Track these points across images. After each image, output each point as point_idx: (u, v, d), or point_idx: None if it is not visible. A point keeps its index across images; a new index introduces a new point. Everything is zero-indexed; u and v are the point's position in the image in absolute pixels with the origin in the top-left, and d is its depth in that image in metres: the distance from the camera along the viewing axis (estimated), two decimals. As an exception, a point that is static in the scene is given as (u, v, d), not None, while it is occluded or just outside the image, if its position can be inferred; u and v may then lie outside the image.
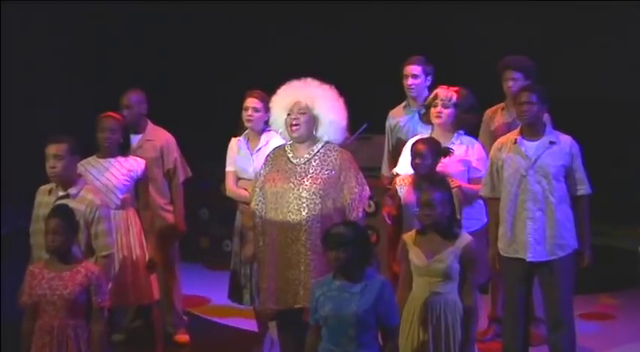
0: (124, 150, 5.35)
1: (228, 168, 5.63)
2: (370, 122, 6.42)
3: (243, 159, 5.55)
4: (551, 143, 4.95)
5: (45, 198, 4.80)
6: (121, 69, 7.84)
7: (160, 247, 5.56)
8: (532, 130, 4.97)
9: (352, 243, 4.05)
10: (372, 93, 7.50)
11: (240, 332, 6.05)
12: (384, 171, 6.02)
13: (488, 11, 7.90)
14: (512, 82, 5.70)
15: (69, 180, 4.78)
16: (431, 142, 5.06)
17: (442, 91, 5.28)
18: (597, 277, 6.18)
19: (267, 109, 5.15)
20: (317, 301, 4.09)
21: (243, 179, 5.54)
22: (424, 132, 5.42)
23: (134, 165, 5.32)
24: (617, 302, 6.64)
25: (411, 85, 5.88)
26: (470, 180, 5.22)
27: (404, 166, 5.25)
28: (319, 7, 8.11)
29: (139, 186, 5.34)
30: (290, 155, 4.77)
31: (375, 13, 8.18)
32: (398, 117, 5.98)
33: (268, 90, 5.01)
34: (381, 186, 5.94)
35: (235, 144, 5.63)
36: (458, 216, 4.79)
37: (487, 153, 5.26)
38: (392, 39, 7.97)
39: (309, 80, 4.76)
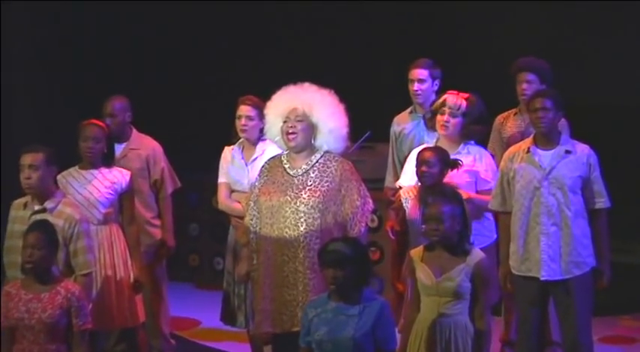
0: (108, 160, 5.34)
1: (221, 179, 5.61)
2: (373, 130, 6.41)
3: (237, 169, 5.54)
4: (567, 152, 4.94)
5: (20, 213, 4.79)
6: (103, 74, 7.83)
7: (146, 265, 5.56)
8: (546, 139, 4.97)
9: (351, 262, 4.04)
10: (375, 98, 7.49)
11: (233, 358, 6.03)
12: (388, 182, 6.03)
13: (500, 10, 7.89)
14: (527, 84, 5.71)
15: (45, 192, 4.77)
16: (439, 150, 5.06)
17: (451, 98, 5.25)
18: (618, 298, 6.20)
19: (261, 117, 5.14)
20: (310, 323, 4.08)
21: (237, 191, 5.52)
22: (431, 141, 5.42)
23: (118, 176, 5.31)
24: (639, 324, 6.62)
25: (417, 91, 5.89)
26: (478, 193, 5.20)
27: (408, 177, 5.25)
28: (317, 5, 8.11)
29: (124, 200, 5.33)
30: (286, 166, 4.75)
31: (378, 12, 8.17)
32: (403, 123, 5.99)
33: (263, 96, 5.01)
34: (384, 199, 5.95)
35: (229, 154, 5.62)
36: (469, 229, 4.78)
37: (497, 163, 5.26)
38: (397, 40, 7.95)
39: (306, 85, 4.75)
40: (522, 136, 5.55)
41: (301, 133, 4.68)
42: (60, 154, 4.89)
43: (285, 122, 4.71)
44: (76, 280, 4.65)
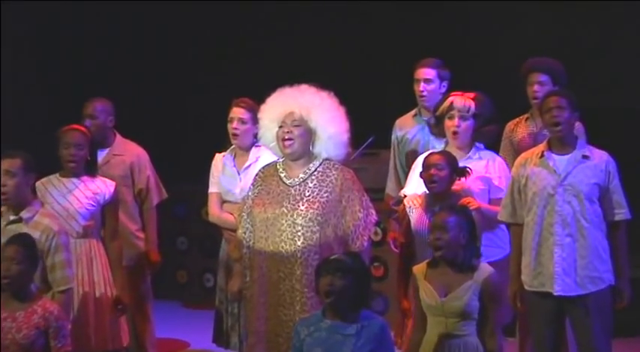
0: (92, 168, 5.32)
1: (212, 188, 5.61)
2: (377, 135, 6.40)
3: (229, 178, 5.53)
4: (585, 157, 4.93)
5: (-8, 223, 4.77)
6: (85, 77, 7.83)
7: (130, 282, 5.55)
8: (562, 142, 4.95)
9: (350, 272, 4.04)
10: (378, 101, 7.48)
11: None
12: (389, 189, 6.03)
13: (510, 9, 7.90)
14: (538, 86, 5.72)
15: (21, 201, 4.75)
16: (447, 154, 5.03)
17: (458, 99, 5.23)
18: (639, 317, 6.13)
19: (255, 121, 5.14)
20: (302, 343, 4.06)
21: (229, 202, 5.52)
22: (437, 147, 5.42)
23: (101, 187, 5.29)
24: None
25: (422, 91, 5.87)
26: (491, 201, 5.18)
27: (414, 186, 5.22)
28: (314, 1, 8.11)
29: (107, 212, 5.30)
30: (282, 175, 4.74)
31: (381, 9, 8.17)
32: (406, 127, 5.98)
33: (257, 99, 5.00)
34: (386, 209, 5.94)
35: (220, 161, 5.62)
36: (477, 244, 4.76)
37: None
38: (402, 38, 7.95)
39: (304, 87, 4.74)
40: (535, 141, 5.55)
41: (298, 139, 4.66)
42: (38, 161, 4.88)
43: (280, 127, 4.70)
44: (54, 297, 4.63)
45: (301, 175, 4.70)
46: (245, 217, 4.77)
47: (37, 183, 5.09)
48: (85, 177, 5.27)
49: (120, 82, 7.85)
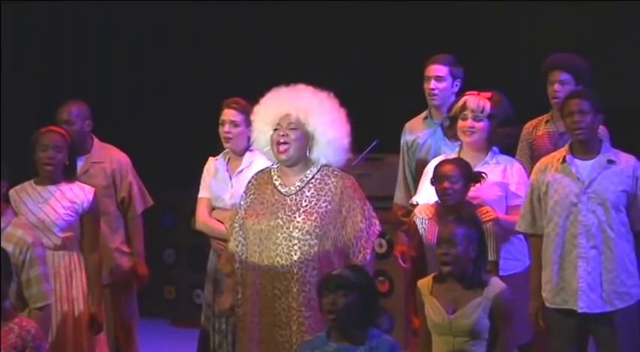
0: (70, 174, 5.31)
1: (202, 194, 5.63)
2: (381, 138, 6.37)
3: (220, 183, 5.54)
4: (610, 162, 4.93)
5: (-39, 235, 4.79)
6: (63, 79, 7.83)
7: (115, 301, 5.58)
8: (585, 147, 4.95)
9: (355, 288, 4.05)
10: (383, 102, 7.45)
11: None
12: (398, 198, 6.01)
13: (528, 4, 7.87)
14: (560, 85, 5.71)
15: (-8, 211, 4.74)
16: (460, 163, 5.04)
17: (472, 99, 5.24)
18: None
19: (249, 123, 5.16)
20: (307, 369, 4.09)
21: (219, 208, 5.52)
22: (450, 152, 5.42)
23: (79, 194, 5.28)
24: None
25: (433, 90, 5.85)
26: (508, 210, 5.20)
27: (425, 194, 5.21)
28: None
29: (86, 222, 5.30)
30: (277, 182, 4.73)
31: (384, 3, 8.15)
32: (416, 131, 5.96)
33: (250, 99, 4.98)
34: (394, 220, 5.94)
35: (212, 165, 5.63)
36: (493, 258, 4.80)
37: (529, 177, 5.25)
38: (409, 34, 7.94)
39: (300, 86, 4.73)
40: (554, 144, 5.57)
41: (294, 144, 4.65)
42: (11, 168, 4.89)
43: (275, 130, 4.70)
44: (31, 315, 4.63)
45: (298, 183, 4.69)
46: (237, 229, 4.76)
47: (11, 192, 5.12)
48: (62, 184, 5.27)
49: (98, 80, 7.85)
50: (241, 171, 5.45)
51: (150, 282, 6.10)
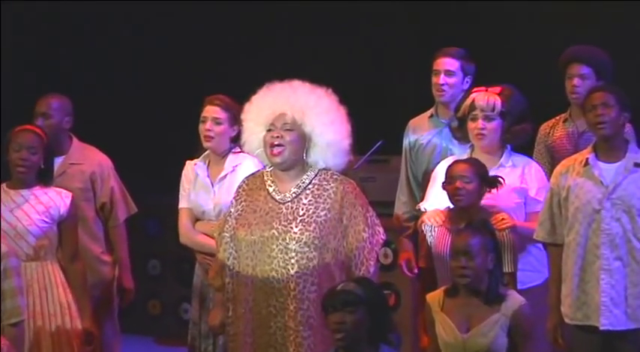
0: (45, 178, 5.31)
1: (182, 203, 5.62)
2: (387, 139, 6.38)
3: (200, 192, 5.52)
4: (637, 166, 4.92)
5: None
6: (41, 76, 7.84)
7: (93, 316, 5.53)
8: (609, 147, 4.94)
9: (363, 303, 4.06)
10: (387, 100, 7.43)
11: None
12: (401, 203, 6.01)
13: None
14: (579, 79, 5.70)
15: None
16: (475, 163, 5.03)
17: (480, 97, 5.23)
18: None
19: (233, 122, 5.18)
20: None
21: (203, 220, 5.50)
22: (459, 153, 5.42)
23: (55, 199, 5.28)
24: None
25: (442, 85, 5.84)
26: (528, 216, 5.20)
27: (434, 200, 5.21)
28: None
29: (64, 230, 5.30)
30: (271, 188, 4.71)
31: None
32: (421, 130, 5.96)
33: (241, 97, 4.95)
34: (397, 228, 5.94)
35: (191, 171, 5.60)
36: (510, 269, 4.80)
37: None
38: (414, 28, 7.94)
39: (296, 83, 4.72)
40: (575, 146, 5.57)
41: (290, 146, 4.63)
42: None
43: (269, 131, 4.68)
44: (4, 332, 4.60)
45: (294, 189, 4.67)
46: (228, 239, 4.74)
47: (-22, 198, 5.12)
48: (36, 188, 5.27)
49: (78, 78, 7.84)
50: (224, 176, 5.44)
51: (133, 296, 6.08)
